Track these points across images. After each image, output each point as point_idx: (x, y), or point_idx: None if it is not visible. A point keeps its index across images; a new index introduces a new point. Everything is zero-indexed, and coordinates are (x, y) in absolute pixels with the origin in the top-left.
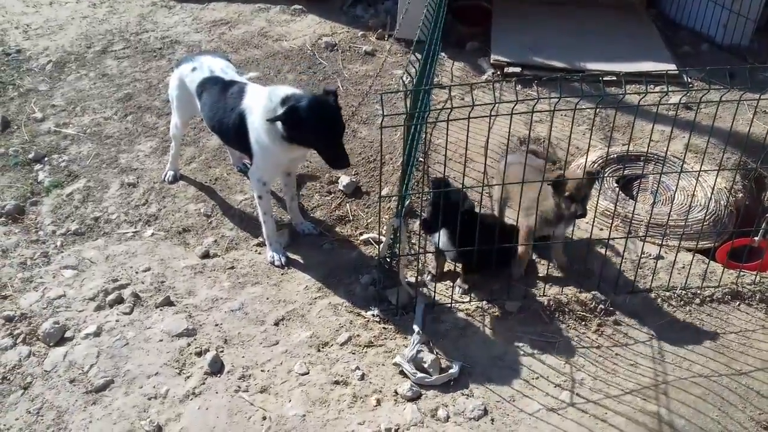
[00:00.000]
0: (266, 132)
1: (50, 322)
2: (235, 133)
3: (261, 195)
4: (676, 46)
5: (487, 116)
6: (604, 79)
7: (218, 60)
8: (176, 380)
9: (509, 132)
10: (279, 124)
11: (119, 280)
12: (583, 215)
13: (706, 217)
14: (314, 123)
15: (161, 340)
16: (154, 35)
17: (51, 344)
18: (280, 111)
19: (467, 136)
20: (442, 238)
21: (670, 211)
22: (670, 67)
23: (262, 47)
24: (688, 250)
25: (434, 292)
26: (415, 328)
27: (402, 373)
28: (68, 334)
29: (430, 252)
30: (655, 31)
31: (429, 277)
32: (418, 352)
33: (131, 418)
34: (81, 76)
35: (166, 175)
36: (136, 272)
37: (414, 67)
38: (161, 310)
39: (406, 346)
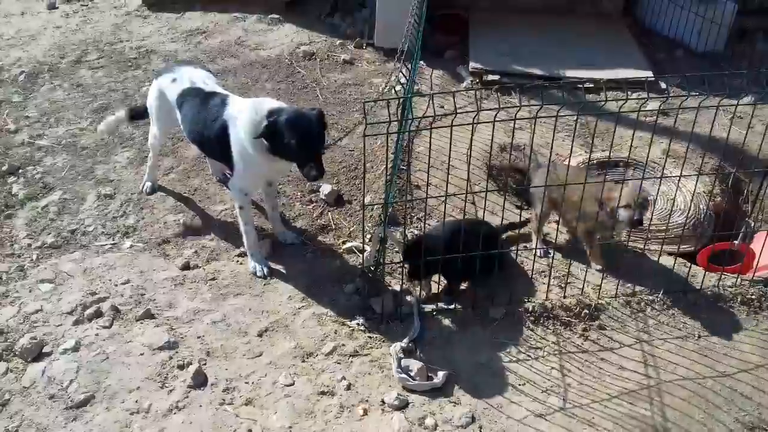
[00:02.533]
0: (251, 144)
1: (27, 338)
2: (217, 144)
3: (242, 206)
4: (652, 53)
5: (469, 124)
6: (584, 86)
7: (199, 71)
8: (159, 394)
9: (492, 140)
10: (264, 142)
11: (98, 293)
12: (641, 223)
13: (687, 222)
14: (291, 135)
15: (142, 354)
16: (129, 45)
17: (29, 360)
18: (265, 124)
19: (450, 143)
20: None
21: (651, 216)
22: (647, 74)
23: (240, 56)
24: (670, 254)
25: (419, 299)
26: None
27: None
28: (46, 349)
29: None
30: (631, 39)
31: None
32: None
33: None
34: (55, 87)
35: (144, 187)
36: (115, 285)
37: (404, 74)
38: (141, 323)
39: (392, 355)
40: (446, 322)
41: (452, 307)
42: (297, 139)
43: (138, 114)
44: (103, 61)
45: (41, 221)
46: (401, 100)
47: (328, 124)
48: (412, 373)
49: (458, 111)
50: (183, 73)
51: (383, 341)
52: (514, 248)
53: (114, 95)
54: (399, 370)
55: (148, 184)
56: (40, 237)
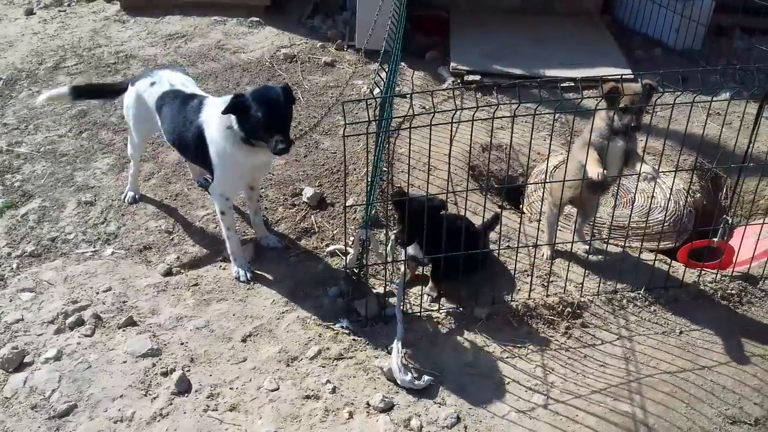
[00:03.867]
0: (225, 138)
1: (8, 348)
2: (194, 146)
3: (223, 211)
4: (631, 51)
5: (448, 123)
6: (562, 85)
7: (178, 74)
8: (142, 402)
9: (471, 138)
10: (235, 124)
11: (79, 301)
12: (638, 128)
13: (666, 218)
14: (257, 107)
15: (125, 362)
16: (108, 50)
17: (10, 370)
18: (231, 97)
19: (429, 142)
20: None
21: (631, 213)
22: (625, 72)
23: (220, 60)
24: (650, 250)
25: (403, 298)
26: (399, 328)
27: (387, 378)
28: (28, 359)
29: (398, 261)
30: (609, 37)
31: (399, 280)
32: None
33: None
34: (33, 94)
35: (125, 197)
36: (97, 293)
37: (381, 76)
38: (124, 330)
39: (377, 357)
40: (431, 323)
41: (434, 298)
42: (263, 110)
43: (82, 93)
44: (82, 66)
45: (21, 229)
46: (380, 101)
47: (295, 99)
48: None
49: (437, 110)
50: (162, 76)
51: (368, 344)
52: (495, 248)
53: (93, 101)
54: (401, 367)
55: (130, 194)
56: (20, 245)
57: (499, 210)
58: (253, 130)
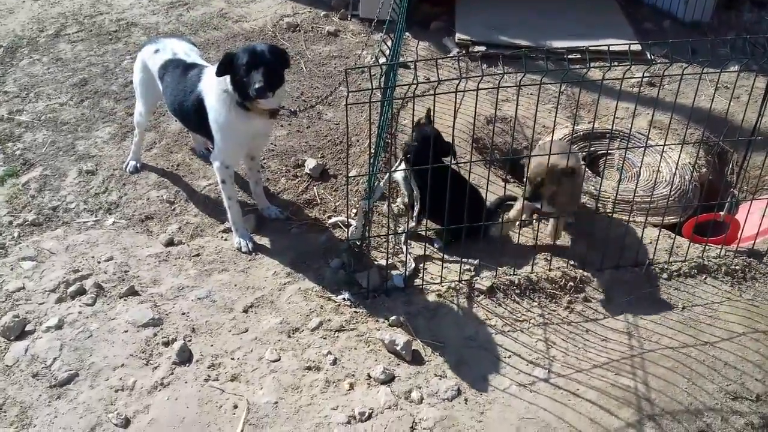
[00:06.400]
0: (222, 103)
1: (10, 316)
2: (195, 115)
3: (224, 180)
4: (639, 23)
5: (452, 92)
6: (569, 57)
7: (182, 43)
8: (143, 371)
9: (475, 108)
10: (230, 86)
11: (80, 270)
12: (526, 198)
13: (672, 193)
14: (242, 56)
15: (126, 331)
16: (109, 18)
17: (11, 338)
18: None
19: (433, 111)
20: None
21: (636, 187)
22: (633, 44)
23: (222, 29)
24: (655, 225)
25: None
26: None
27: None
28: (29, 327)
29: (399, 233)
30: (617, 9)
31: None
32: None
33: (98, 411)
34: (34, 61)
35: (127, 166)
36: (98, 262)
37: (387, 45)
38: (125, 300)
39: (379, 329)
40: (432, 296)
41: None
42: (246, 57)
43: None
44: (83, 34)
45: (22, 198)
46: (384, 69)
47: (289, 62)
48: (398, 347)
49: (441, 79)
50: (166, 45)
51: (369, 316)
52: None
53: (94, 69)
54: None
55: (132, 162)
56: (21, 214)
57: (503, 183)
58: (239, 80)
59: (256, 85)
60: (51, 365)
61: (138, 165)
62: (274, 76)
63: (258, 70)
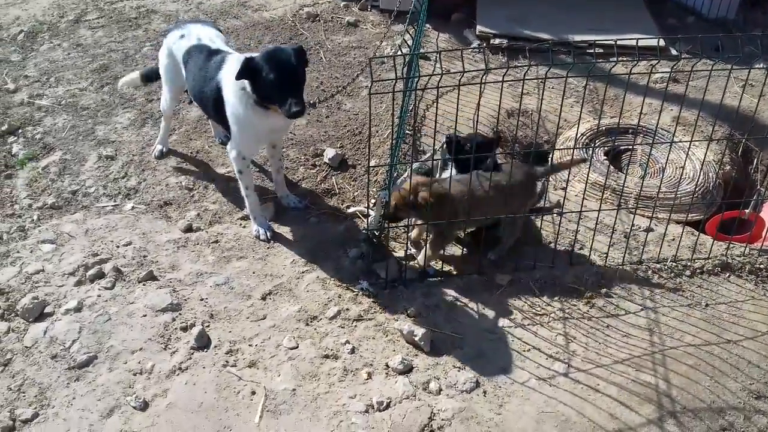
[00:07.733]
0: (239, 99)
1: (29, 298)
2: (213, 104)
3: (241, 170)
4: (663, 19)
5: (477, 84)
6: (591, 51)
7: (207, 28)
8: (162, 355)
9: (500, 101)
10: (248, 87)
11: (99, 254)
12: (382, 216)
13: (696, 190)
14: (268, 70)
15: (145, 316)
16: (129, 4)
17: (30, 320)
18: (243, 61)
19: (458, 101)
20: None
21: (660, 183)
22: (656, 39)
23: (242, 17)
24: (678, 222)
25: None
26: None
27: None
28: (48, 309)
29: (416, 225)
30: (641, 4)
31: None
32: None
33: (116, 394)
34: (54, 47)
35: (154, 150)
36: (117, 246)
37: (409, 33)
38: (144, 284)
39: (397, 320)
40: (452, 288)
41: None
42: (275, 73)
43: (151, 77)
44: (103, 20)
45: (42, 182)
46: (407, 59)
47: (308, 60)
48: (416, 338)
49: (466, 70)
50: (191, 30)
51: (387, 306)
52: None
53: (114, 55)
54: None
55: (159, 147)
56: (40, 197)
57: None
58: (266, 93)
59: (293, 110)
60: (70, 347)
61: (164, 150)
62: (302, 86)
63: (291, 91)
